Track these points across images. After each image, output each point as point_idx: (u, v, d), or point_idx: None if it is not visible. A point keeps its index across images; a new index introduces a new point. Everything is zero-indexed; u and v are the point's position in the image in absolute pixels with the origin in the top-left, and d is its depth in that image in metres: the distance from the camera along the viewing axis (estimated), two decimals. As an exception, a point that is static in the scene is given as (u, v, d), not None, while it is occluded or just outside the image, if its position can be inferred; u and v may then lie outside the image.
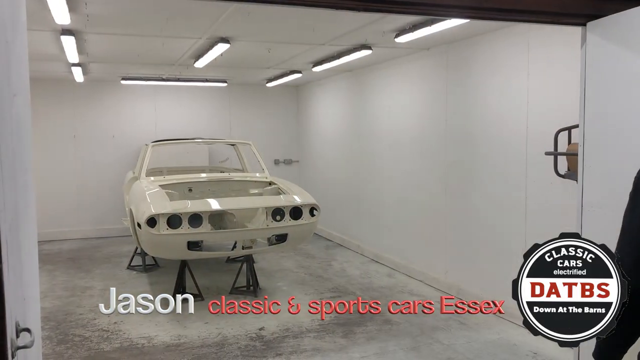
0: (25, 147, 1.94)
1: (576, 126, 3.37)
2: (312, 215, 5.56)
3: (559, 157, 4.27)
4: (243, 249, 5.51)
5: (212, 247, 5.70)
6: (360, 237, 8.40)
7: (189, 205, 5.18)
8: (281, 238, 5.44)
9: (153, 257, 7.17)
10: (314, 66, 7.68)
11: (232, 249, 6.19)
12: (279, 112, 10.87)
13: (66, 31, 5.34)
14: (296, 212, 5.50)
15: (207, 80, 9.57)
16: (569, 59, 4.24)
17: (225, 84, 9.85)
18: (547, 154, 4.29)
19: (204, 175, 7.15)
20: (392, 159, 7.39)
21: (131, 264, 7.46)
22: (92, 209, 9.84)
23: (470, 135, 5.89)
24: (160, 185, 5.97)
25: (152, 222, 5.05)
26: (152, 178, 6.59)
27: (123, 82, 9.29)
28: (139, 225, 5.23)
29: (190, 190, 6.52)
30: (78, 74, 8.19)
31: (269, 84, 9.84)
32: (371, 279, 6.92)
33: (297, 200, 5.58)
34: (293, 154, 10.95)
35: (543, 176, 4.76)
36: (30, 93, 2.10)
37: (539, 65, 5.01)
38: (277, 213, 5.43)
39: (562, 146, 4.21)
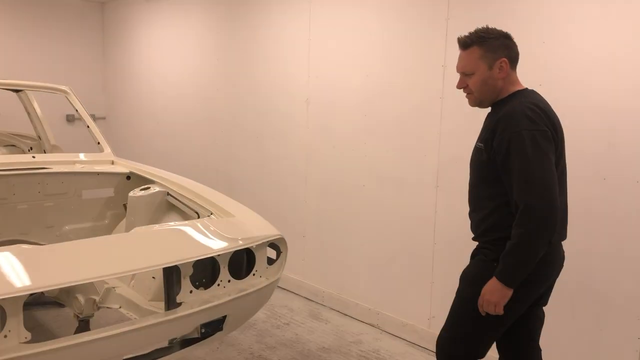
0: None
1: None
2: (270, 262, 2.49)
3: None
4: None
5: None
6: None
7: None
8: (211, 327, 2.27)
9: None
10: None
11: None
12: (72, 43, 6.98)
13: None
14: (237, 262, 2.39)
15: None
16: None
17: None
18: None
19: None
20: (318, 126, 4.55)
21: None
22: None
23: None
24: None
25: None
26: None
27: None
28: None
29: None
30: None
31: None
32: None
33: (241, 234, 2.38)
34: (97, 107, 7.20)
35: None
36: None
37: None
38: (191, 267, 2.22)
39: None
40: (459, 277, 2.33)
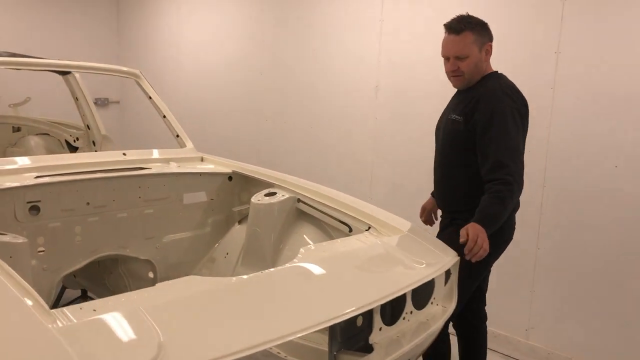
0: None
1: None
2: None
3: None
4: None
5: None
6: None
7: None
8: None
9: None
10: None
11: None
12: (82, 15, 6.37)
13: None
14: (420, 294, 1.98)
15: None
16: None
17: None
18: None
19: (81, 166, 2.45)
20: (390, 115, 4.16)
21: None
22: None
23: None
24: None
25: None
26: None
27: None
28: None
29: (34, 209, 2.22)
30: None
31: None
32: None
33: (423, 255, 1.98)
34: (110, 90, 6.64)
35: None
36: None
37: None
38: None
39: None
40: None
